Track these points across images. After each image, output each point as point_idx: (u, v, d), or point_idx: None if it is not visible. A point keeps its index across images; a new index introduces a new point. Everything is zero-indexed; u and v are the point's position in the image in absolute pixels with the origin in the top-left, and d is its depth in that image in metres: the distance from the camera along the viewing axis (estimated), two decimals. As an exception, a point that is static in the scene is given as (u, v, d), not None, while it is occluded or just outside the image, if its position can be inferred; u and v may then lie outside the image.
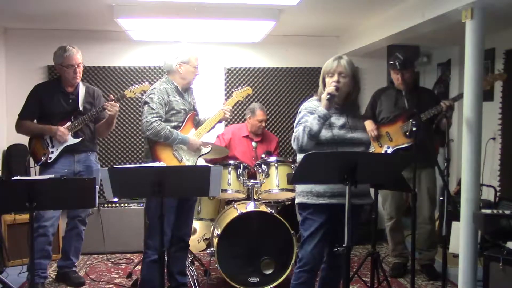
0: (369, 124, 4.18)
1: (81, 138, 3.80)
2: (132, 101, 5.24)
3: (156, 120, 3.28)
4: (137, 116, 5.25)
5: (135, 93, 3.79)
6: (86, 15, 4.46)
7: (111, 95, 3.84)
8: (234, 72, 5.46)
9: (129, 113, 5.27)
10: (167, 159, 3.35)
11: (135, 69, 5.30)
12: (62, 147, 3.76)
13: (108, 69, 5.25)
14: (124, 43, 5.21)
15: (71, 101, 3.83)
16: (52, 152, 3.75)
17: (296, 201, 2.91)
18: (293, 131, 2.85)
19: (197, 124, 3.57)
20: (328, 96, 2.71)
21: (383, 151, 4.06)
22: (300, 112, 2.88)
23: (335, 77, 2.77)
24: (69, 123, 3.76)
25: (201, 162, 3.61)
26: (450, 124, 3.91)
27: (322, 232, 2.80)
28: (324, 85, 2.83)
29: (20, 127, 3.84)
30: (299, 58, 5.52)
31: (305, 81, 5.54)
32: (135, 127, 5.31)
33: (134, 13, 4.04)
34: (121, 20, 4.18)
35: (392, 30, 4.25)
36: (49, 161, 3.75)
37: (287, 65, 5.53)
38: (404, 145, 3.97)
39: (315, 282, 2.94)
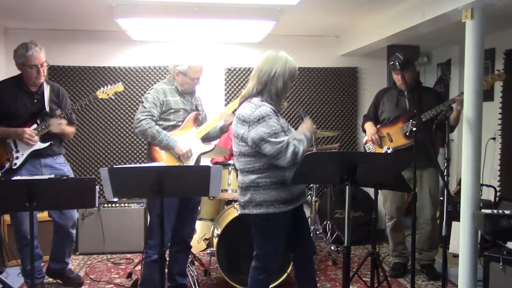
0: (369, 128, 4.19)
1: (50, 143, 3.58)
2: (131, 101, 5.24)
3: (145, 119, 3.29)
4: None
5: (108, 94, 3.64)
6: (86, 15, 4.45)
7: (57, 110, 3.61)
8: (234, 72, 5.45)
9: (129, 113, 5.26)
10: (163, 157, 3.35)
11: (135, 69, 5.29)
12: (28, 151, 3.51)
13: (107, 69, 5.24)
14: (124, 43, 5.21)
15: (35, 101, 3.59)
16: (17, 158, 3.50)
17: (256, 212, 2.69)
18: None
19: (200, 123, 3.57)
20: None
21: (383, 152, 4.06)
22: (264, 119, 2.61)
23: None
24: (35, 125, 3.52)
25: (203, 162, 3.60)
26: (458, 120, 3.78)
27: (286, 240, 2.79)
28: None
29: None
30: (299, 58, 5.49)
31: (305, 81, 5.54)
32: (135, 127, 5.30)
33: (133, 13, 4.04)
34: (120, 20, 4.18)
35: (392, 30, 4.25)
36: (14, 167, 3.48)
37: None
38: (404, 146, 3.98)
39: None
